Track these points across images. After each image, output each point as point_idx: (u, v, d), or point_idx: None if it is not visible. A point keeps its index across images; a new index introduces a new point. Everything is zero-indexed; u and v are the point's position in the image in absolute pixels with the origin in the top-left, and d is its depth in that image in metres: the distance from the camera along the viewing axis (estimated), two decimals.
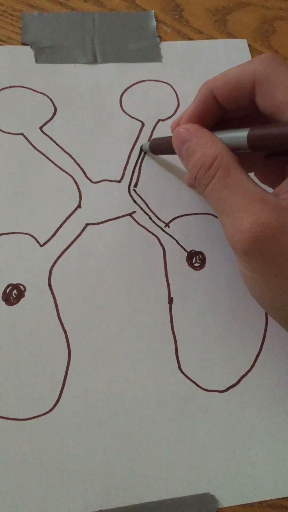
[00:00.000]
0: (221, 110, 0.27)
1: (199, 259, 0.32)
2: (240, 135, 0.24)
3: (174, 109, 0.36)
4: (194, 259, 0.32)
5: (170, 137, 0.28)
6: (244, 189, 0.23)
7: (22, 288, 0.30)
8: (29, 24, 0.37)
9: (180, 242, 0.32)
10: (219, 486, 0.27)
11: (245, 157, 0.26)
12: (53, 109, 0.35)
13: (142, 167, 0.34)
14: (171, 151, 0.29)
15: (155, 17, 0.39)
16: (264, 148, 0.24)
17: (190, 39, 0.39)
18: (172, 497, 0.27)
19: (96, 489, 0.26)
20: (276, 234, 0.21)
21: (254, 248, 0.22)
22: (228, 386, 0.29)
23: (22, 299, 0.30)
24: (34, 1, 0.38)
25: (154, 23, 0.39)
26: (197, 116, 0.27)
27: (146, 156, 0.34)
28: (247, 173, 0.24)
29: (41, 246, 0.31)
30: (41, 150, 0.34)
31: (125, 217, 0.33)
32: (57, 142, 0.34)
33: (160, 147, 0.32)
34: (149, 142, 0.33)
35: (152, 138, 0.34)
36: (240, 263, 0.25)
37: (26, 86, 0.35)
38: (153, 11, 0.39)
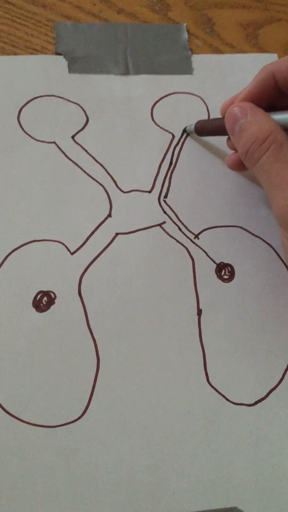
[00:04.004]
0: (277, 93, 0.28)
1: (228, 272, 0.32)
2: None
3: None
4: (223, 271, 0.32)
5: (219, 118, 0.29)
6: None
7: (53, 296, 0.30)
8: (62, 34, 0.38)
9: (209, 254, 0.33)
10: (247, 500, 0.27)
11: None
12: (85, 118, 0.35)
13: (172, 178, 0.34)
14: (218, 132, 0.29)
15: (187, 30, 0.40)
16: None
17: (221, 52, 0.39)
18: (200, 510, 0.27)
19: (122, 499, 0.26)
20: None
21: None
22: (256, 399, 0.29)
23: (52, 306, 0.30)
24: (68, 12, 0.39)
25: (186, 35, 0.39)
26: (253, 96, 0.28)
27: (177, 168, 0.35)
28: None
29: (72, 254, 0.31)
30: (72, 159, 0.34)
31: (155, 228, 0.33)
32: (89, 152, 0.34)
33: (207, 127, 0.33)
34: (194, 124, 0.34)
35: (198, 120, 0.35)
36: (283, 235, 0.26)
37: (59, 95, 0.36)
38: (185, 24, 0.40)
